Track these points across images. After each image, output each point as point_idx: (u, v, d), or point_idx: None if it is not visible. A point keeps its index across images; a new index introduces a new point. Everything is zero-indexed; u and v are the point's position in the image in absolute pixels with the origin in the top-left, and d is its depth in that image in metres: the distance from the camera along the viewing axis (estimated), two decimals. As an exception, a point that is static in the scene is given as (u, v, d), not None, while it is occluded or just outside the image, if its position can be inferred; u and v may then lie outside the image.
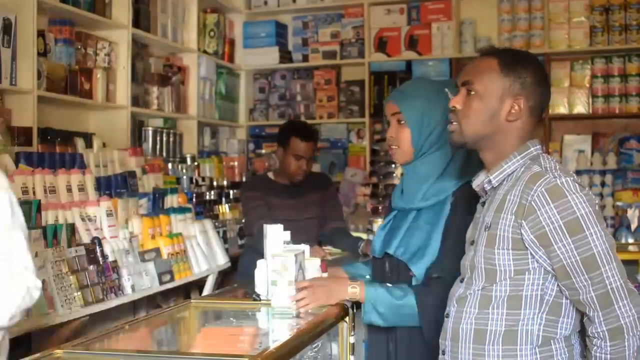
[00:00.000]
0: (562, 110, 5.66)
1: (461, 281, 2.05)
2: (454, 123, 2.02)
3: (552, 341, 1.91)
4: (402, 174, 2.59)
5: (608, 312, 1.81)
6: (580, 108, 5.64)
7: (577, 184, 1.87)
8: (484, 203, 2.06)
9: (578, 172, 5.40)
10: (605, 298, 1.81)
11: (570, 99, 5.65)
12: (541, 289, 1.92)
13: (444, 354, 2.05)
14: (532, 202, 1.85)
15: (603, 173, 5.38)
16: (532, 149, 1.99)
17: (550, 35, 5.63)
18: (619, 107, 5.56)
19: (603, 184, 5.32)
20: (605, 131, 5.67)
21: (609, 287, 1.81)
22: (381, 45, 5.99)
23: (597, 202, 1.91)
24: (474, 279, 1.98)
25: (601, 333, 1.83)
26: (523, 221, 1.86)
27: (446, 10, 5.87)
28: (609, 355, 1.82)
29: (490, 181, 2.01)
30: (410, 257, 2.40)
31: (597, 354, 1.84)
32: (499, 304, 1.93)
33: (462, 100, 2.01)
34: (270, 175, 4.07)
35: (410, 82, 2.73)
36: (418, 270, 2.38)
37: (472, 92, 1.99)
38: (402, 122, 2.44)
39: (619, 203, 4.95)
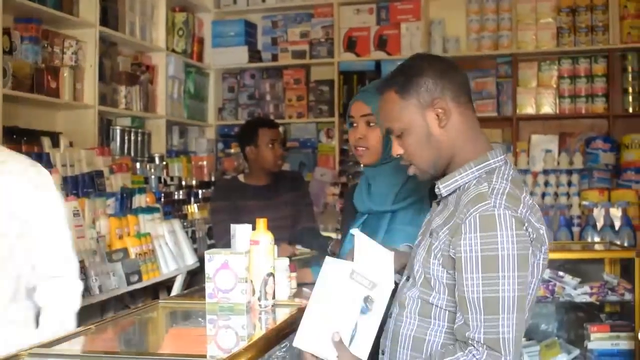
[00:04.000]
0: (530, 110, 5.72)
1: (407, 279, 1.99)
2: (412, 166, 1.95)
3: None
4: (362, 174, 2.54)
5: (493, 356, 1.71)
6: (547, 108, 5.71)
7: (514, 219, 1.72)
8: (439, 202, 1.98)
9: (545, 172, 5.48)
10: (495, 343, 1.70)
11: (538, 99, 5.72)
12: None
13: (383, 354, 2.01)
14: (463, 225, 1.74)
15: (570, 172, 5.45)
16: (492, 160, 1.87)
17: (518, 36, 5.69)
18: (585, 107, 5.64)
19: (570, 184, 5.39)
20: (572, 131, 5.75)
21: (500, 335, 1.70)
22: (350, 45, 6.00)
23: (533, 239, 1.78)
24: (414, 280, 1.92)
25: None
26: (452, 239, 1.77)
27: (415, 11, 5.90)
28: None
29: (439, 189, 1.92)
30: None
31: None
32: (439, 315, 1.87)
33: (398, 146, 1.93)
34: (241, 178, 4.05)
35: (380, 82, 2.71)
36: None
37: (400, 135, 1.91)
38: (372, 124, 2.41)
39: (585, 202, 5.00)
